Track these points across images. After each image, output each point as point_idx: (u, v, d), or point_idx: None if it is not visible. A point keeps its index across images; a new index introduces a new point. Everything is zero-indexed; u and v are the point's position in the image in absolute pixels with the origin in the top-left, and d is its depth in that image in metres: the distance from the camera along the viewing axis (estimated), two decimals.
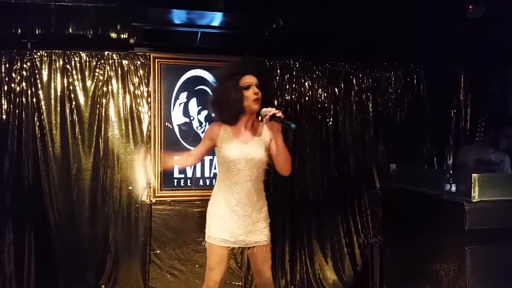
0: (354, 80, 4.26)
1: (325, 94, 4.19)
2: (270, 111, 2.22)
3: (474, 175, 2.60)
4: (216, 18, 3.28)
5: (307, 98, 4.15)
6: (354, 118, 4.25)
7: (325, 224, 4.17)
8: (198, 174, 3.92)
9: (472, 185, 2.58)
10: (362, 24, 3.48)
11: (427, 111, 4.41)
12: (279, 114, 2.21)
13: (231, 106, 2.34)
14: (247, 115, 2.39)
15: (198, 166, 3.91)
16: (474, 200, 2.58)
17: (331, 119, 4.20)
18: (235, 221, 2.41)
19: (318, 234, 4.15)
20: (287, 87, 4.11)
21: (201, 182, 3.92)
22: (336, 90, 4.22)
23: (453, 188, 2.75)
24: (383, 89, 4.34)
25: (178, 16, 3.26)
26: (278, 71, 4.09)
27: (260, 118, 2.34)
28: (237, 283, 3.94)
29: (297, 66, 4.14)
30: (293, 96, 4.13)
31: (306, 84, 4.16)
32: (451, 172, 2.80)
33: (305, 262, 4.10)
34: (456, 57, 4.30)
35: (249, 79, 2.35)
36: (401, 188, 3.35)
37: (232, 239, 2.42)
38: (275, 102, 4.02)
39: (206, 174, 3.94)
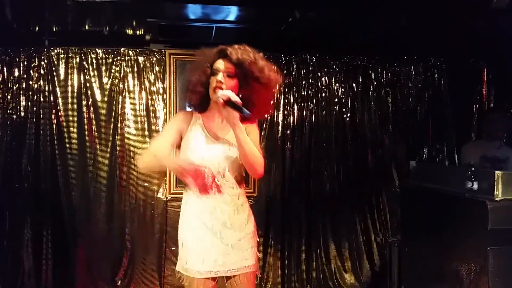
0: (372, 74, 4.17)
1: (343, 89, 4.12)
2: (225, 94, 1.82)
3: (497, 172, 2.51)
4: (232, 12, 3.24)
5: (324, 93, 4.08)
6: (373, 114, 4.15)
7: (342, 223, 4.10)
8: None
9: (496, 182, 2.49)
10: (380, 17, 3.39)
11: (448, 107, 4.29)
12: (235, 99, 1.81)
13: (191, 88, 1.99)
14: (216, 105, 1.94)
15: None
16: (497, 199, 2.50)
17: (349, 115, 4.12)
18: (210, 242, 1.90)
19: (334, 233, 4.08)
20: (303, 82, 4.05)
21: None
22: (354, 85, 4.14)
23: (475, 186, 2.66)
24: (403, 84, 4.23)
25: (193, 11, 3.24)
26: (294, 66, 4.04)
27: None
28: None
29: (314, 61, 4.06)
30: (309, 92, 4.06)
31: (323, 79, 4.08)
32: (473, 169, 2.71)
33: (321, 262, 4.04)
34: (479, 51, 4.16)
35: (221, 65, 1.93)
36: (421, 186, 3.27)
37: (210, 267, 1.89)
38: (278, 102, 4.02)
39: None
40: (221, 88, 1.88)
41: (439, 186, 3.06)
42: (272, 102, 2.05)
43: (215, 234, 1.91)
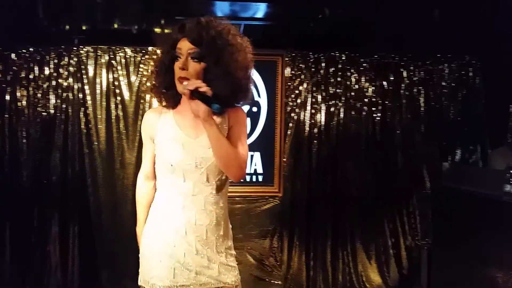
0: (404, 72, 4.03)
1: (373, 88, 4.00)
2: (192, 84, 1.50)
3: None
4: (260, 9, 3.22)
5: (353, 92, 3.98)
6: (404, 113, 4.02)
7: (369, 224, 3.99)
8: None
9: None
10: (412, 12, 3.29)
11: (483, 107, 4.12)
12: (204, 89, 1.50)
13: (154, 81, 1.68)
14: (185, 97, 1.61)
15: None
16: None
17: (379, 114, 4.00)
18: (182, 254, 1.62)
19: (361, 235, 3.98)
20: (332, 80, 3.96)
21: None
22: (384, 83, 4.01)
23: None
24: (436, 82, 4.08)
25: (221, 8, 3.22)
26: (323, 64, 3.95)
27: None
28: (276, 282, 3.85)
29: (343, 58, 3.97)
30: (338, 90, 3.97)
31: (352, 77, 3.98)
32: (511, 171, 2.58)
33: (347, 264, 3.95)
34: None
35: (180, 45, 1.57)
36: (454, 188, 3.15)
37: (182, 281, 1.62)
38: (313, 96, 3.94)
39: (247, 170, 3.89)
40: (184, 79, 1.55)
41: (474, 188, 2.94)
42: (250, 84, 1.68)
43: (191, 244, 1.63)
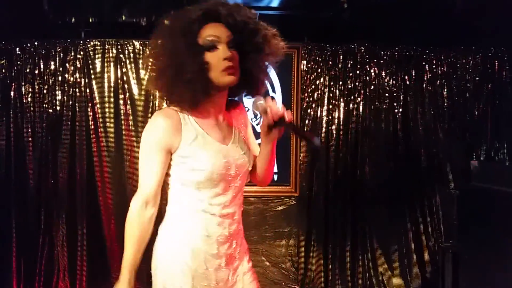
0: (426, 66, 3.83)
1: (394, 82, 3.81)
2: (275, 110, 1.35)
3: None
4: None
5: (372, 86, 3.79)
6: (427, 109, 3.82)
7: (390, 225, 3.82)
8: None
9: None
10: (434, 1, 3.11)
11: (510, 101, 3.89)
12: (290, 117, 1.37)
13: (171, 79, 1.37)
14: (216, 93, 1.44)
15: None
16: None
17: (400, 110, 3.81)
18: (218, 268, 1.48)
19: (382, 236, 3.81)
20: (351, 74, 3.78)
21: None
22: (406, 77, 3.82)
23: None
24: (460, 76, 3.88)
25: None
26: (341, 57, 3.77)
27: (254, 110, 1.45)
28: (292, 286, 3.71)
29: (362, 51, 3.78)
30: (357, 84, 3.78)
31: (372, 70, 3.79)
32: None
33: (367, 267, 3.79)
34: None
35: (214, 31, 1.38)
36: (484, 187, 2.99)
37: None
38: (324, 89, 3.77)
39: None
40: (234, 69, 1.37)
41: (506, 188, 2.76)
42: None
43: (226, 258, 1.52)
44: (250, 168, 1.57)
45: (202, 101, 1.41)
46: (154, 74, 1.47)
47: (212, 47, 1.37)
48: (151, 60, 1.46)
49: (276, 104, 1.39)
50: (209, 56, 1.36)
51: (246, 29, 1.41)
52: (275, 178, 3.70)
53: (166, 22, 1.43)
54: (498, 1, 3.09)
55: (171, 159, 1.43)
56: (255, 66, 1.45)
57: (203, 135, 1.42)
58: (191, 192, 1.44)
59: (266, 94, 1.50)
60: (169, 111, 1.43)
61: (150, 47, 1.48)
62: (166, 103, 1.55)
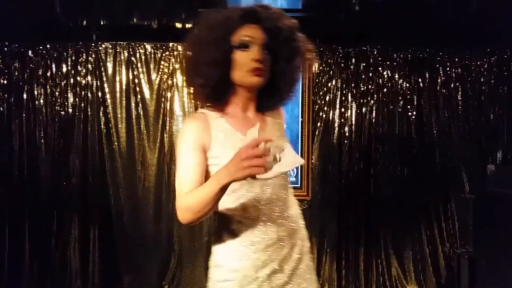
0: (440, 68, 3.77)
1: (407, 84, 3.75)
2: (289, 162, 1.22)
3: None
4: (287, 0, 3.02)
5: (385, 89, 3.74)
6: (441, 112, 3.76)
7: (405, 231, 3.75)
8: None
9: None
10: (448, 3, 3.06)
11: None
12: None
13: (202, 79, 1.37)
14: (244, 93, 1.42)
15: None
16: None
17: (414, 113, 3.75)
18: (272, 272, 1.39)
19: (396, 241, 3.74)
20: (363, 77, 3.73)
21: None
22: (419, 79, 3.76)
23: None
24: (474, 79, 3.81)
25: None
26: (353, 59, 3.73)
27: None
28: None
29: (375, 53, 3.73)
30: (369, 86, 3.73)
31: (385, 73, 3.74)
32: None
33: (381, 272, 3.71)
34: None
35: (250, 32, 1.37)
36: (501, 192, 2.91)
37: None
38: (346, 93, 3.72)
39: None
40: (261, 71, 1.35)
41: None
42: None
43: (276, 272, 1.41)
44: None
45: (223, 102, 1.42)
46: (185, 64, 1.47)
47: (244, 46, 1.36)
48: (185, 51, 1.46)
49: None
50: (239, 55, 1.36)
51: (281, 36, 1.39)
52: None
53: (205, 16, 1.42)
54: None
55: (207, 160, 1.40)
56: (283, 74, 1.43)
57: (233, 134, 1.39)
58: (228, 201, 1.39)
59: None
60: (197, 114, 1.46)
61: (186, 40, 1.45)
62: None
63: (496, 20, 3.32)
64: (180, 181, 1.35)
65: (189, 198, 1.30)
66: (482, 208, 3.21)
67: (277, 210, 1.42)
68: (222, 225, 1.43)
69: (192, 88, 1.45)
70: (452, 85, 3.79)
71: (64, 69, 3.54)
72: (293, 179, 3.67)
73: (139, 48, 3.61)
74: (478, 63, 3.83)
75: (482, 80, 3.83)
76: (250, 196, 1.38)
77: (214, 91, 1.39)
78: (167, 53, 3.63)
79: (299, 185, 3.69)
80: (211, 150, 1.37)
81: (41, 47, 3.52)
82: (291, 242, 1.44)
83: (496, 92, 3.84)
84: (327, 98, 3.74)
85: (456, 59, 3.80)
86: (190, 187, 1.32)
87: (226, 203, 1.38)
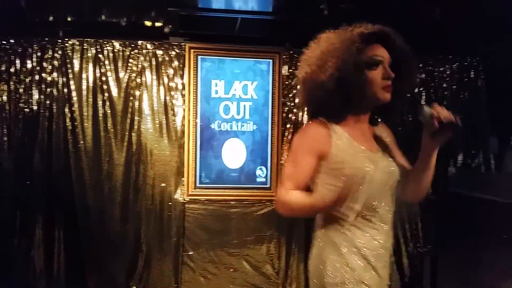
0: None
1: None
2: (445, 114, 1.43)
3: None
4: (257, 3, 3.05)
5: None
6: (405, 116, 3.86)
7: None
8: (236, 173, 3.69)
9: None
10: (413, 11, 3.16)
11: (486, 110, 3.96)
12: (458, 120, 1.45)
13: (345, 93, 1.46)
14: (366, 107, 1.59)
15: (241, 161, 3.67)
16: None
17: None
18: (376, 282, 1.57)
19: None
20: None
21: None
22: None
23: None
24: (437, 84, 3.94)
25: (216, 0, 3.04)
26: None
27: (423, 120, 1.50)
28: None
29: None
30: None
31: None
32: None
33: None
34: None
35: (380, 52, 1.50)
36: (462, 194, 3.06)
37: None
38: None
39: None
40: (390, 89, 1.50)
41: (483, 194, 2.83)
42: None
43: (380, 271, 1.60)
44: (399, 178, 1.61)
45: (343, 116, 1.55)
46: (307, 85, 1.55)
47: (375, 65, 1.49)
48: (305, 71, 1.55)
49: (440, 107, 1.46)
50: (370, 74, 1.49)
51: (401, 56, 1.54)
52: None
53: (328, 36, 1.56)
54: (474, 12, 3.14)
55: (319, 166, 1.53)
56: (399, 92, 1.56)
57: (353, 143, 1.52)
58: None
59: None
60: (319, 121, 1.56)
61: (303, 60, 1.59)
62: (309, 115, 1.69)
63: (458, 27, 3.43)
64: (288, 175, 1.53)
65: (291, 197, 1.48)
66: (444, 208, 3.32)
67: None
68: None
69: (312, 106, 1.59)
70: (415, 90, 3.89)
71: (29, 65, 3.44)
72: (263, 179, 3.71)
73: (107, 45, 3.55)
74: (441, 69, 3.96)
75: (444, 85, 3.96)
76: None
77: (341, 107, 1.51)
78: (136, 51, 3.58)
79: (268, 186, 3.73)
80: (331, 157, 1.50)
81: (4, 42, 3.40)
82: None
83: (457, 98, 3.97)
84: (296, 100, 3.78)
85: (420, 65, 3.91)
86: (294, 184, 1.49)
87: None
